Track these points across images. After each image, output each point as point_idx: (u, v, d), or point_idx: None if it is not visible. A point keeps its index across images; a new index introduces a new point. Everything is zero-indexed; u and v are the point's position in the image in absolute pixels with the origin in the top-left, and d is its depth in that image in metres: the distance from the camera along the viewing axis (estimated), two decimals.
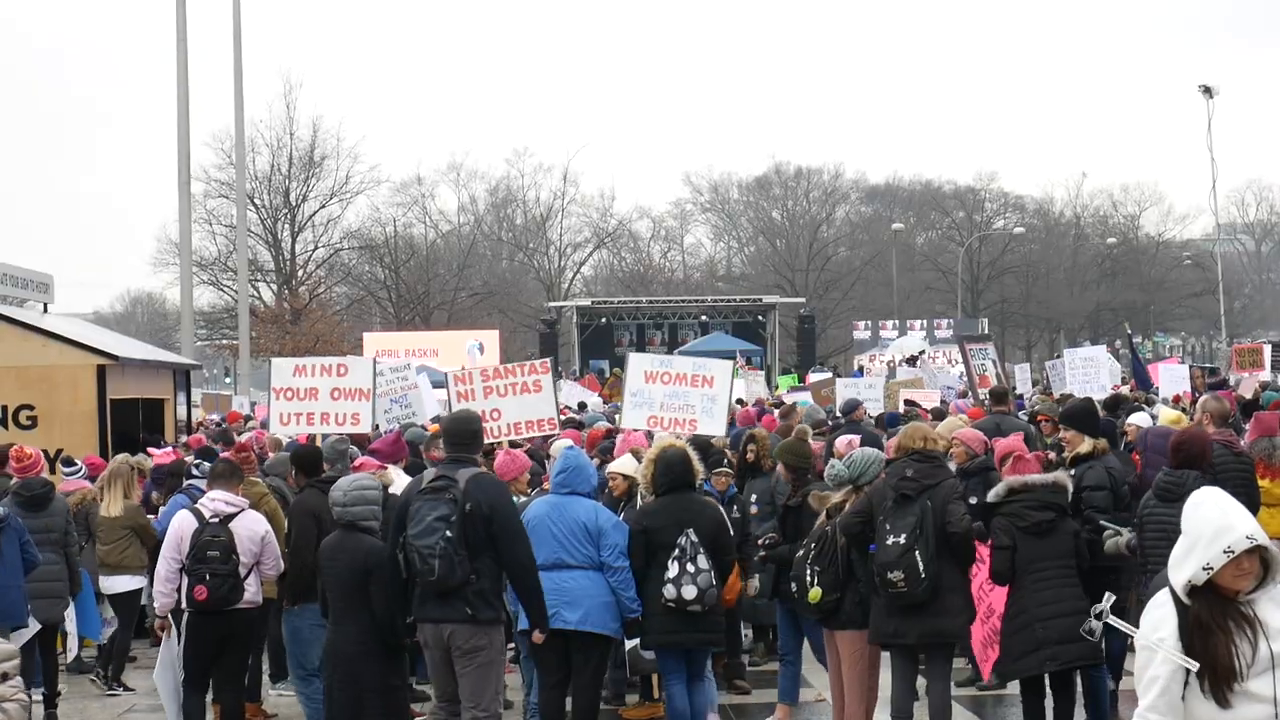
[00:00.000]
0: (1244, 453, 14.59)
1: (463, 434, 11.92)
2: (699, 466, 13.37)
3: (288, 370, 17.88)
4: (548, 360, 20.06)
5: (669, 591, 12.58)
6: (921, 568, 11.81)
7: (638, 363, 19.08)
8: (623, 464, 14.71)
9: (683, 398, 18.11)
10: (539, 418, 17.76)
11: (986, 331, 75.16)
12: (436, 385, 27.57)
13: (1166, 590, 6.46)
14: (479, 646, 11.40)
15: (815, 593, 12.19)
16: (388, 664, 11.80)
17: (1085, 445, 13.57)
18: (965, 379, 35.79)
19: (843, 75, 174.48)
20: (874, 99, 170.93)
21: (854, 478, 12.49)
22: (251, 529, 13.51)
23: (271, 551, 13.56)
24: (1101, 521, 12.72)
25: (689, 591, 12.55)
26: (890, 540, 11.90)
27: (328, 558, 12.02)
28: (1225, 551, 6.22)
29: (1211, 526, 6.30)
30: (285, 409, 18.35)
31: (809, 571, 12.27)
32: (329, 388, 17.38)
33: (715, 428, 18.16)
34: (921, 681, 12.70)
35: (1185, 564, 6.35)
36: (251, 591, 13.45)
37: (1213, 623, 6.30)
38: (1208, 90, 68.72)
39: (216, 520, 13.46)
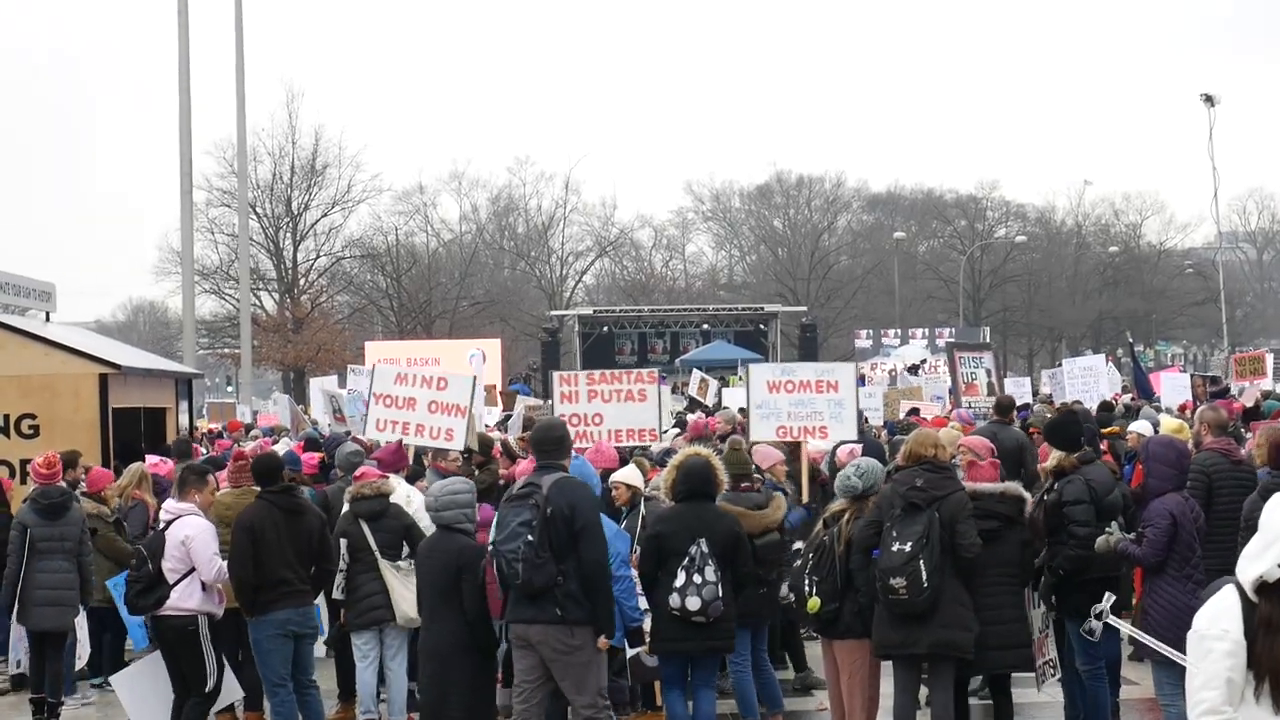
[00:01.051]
0: (1242, 460, 14.59)
1: (548, 440, 12.07)
2: (723, 478, 13.35)
3: (390, 376, 17.75)
4: (655, 370, 19.79)
5: (674, 600, 12.62)
6: (924, 577, 11.80)
7: (759, 373, 18.78)
8: (626, 474, 14.73)
9: (809, 405, 17.86)
10: (641, 427, 17.60)
11: (987, 340, 75.06)
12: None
13: (1231, 586, 6.33)
14: (573, 646, 11.52)
15: (814, 602, 12.19)
16: (478, 662, 12.00)
17: (1052, 460, 13.56)
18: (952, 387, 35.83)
19: (844, 84, 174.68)
20: (875, 107, 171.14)
21: (867, 489, 12.54)
22: (176, 535, 13.56)
23: (200, 558, 13.46)
24: (1109, 527, 12.69)
25: (693, 603, 12.58)
26: (895, 547, 11.91)
27: (423, 557, 12.37)
28: None
29: None
30: (383, 415, 18.17)
31: (807, 581, 12.27)
32: (427, 400, 17.23)
33: (845, 433, 17.95)
34: (921, 690, 12.70)
35: (1261, 558, 6.23)
36: (182, 598, 13.46)
37: (1274, 622, 6.17)
38: (1209, 99, 68.57)
39: (163, 527, 13.66)
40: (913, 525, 11.97)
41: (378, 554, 14.29)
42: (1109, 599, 11.24)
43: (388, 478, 15.04)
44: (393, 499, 15.09)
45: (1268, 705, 6.18)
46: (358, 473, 15.09)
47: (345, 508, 14.81)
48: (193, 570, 13.44)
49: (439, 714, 12.01)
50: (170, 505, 13.87)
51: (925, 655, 12.21)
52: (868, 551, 12.20)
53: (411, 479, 16.09)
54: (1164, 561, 12.11)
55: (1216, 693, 6.20)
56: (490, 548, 11.74)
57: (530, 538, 11.27)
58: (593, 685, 11.66)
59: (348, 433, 24.81)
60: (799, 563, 12.48)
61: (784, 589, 12.65)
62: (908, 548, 11.87)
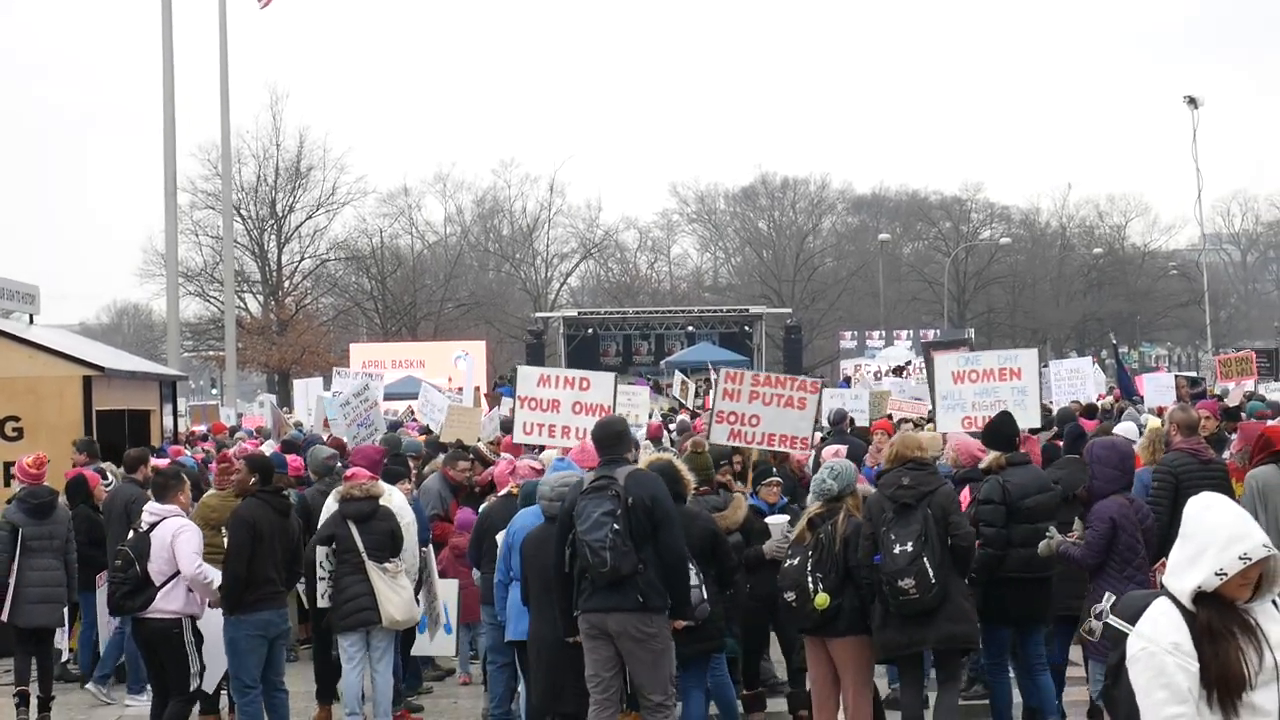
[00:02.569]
0: (1212, 460, 14.65)
1: (609, 437, 12.35)
2: (689, 478, 13.33)
3: (533, 379, 17.61)
4: (819, 380, 19.65)
5: None
6: (931, 574, 12.02)
7: (944, 363, 18.64)
8: None
9: (993, 394, 17.68)
10: (795, 434, 17.32)
11: (967, 337, 75.09)
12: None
13: (1165, 599, 6.34)
14: (650, 634, 11.75)
15: (823, 598, 12.16)
16: (571, 648, 12.07)
17: (985, 461, 13.99)
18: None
19: (829, 86, 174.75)
20: (860, 110, 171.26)
21: (842, 490, 12.56)
22: (162, 537, 13.62)
23: (184, 558, 13.50)
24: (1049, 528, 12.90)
25: None
26: (897, 549, 12.08)
27: (532, 550, 12.51)
28: (1241, 558, 6.15)
29: (1227, 531, 6.22)
30: (528, 419, 18.00)
31: (811, 579, 12.27)
32: (570, 401, 17.09)
33: (1029, 420, 17.56)
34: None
35: (1194, 568, 6.25)
36: (167, 600, 13.55)
37: (1224, 630, 6.21)
38: (1193, 101, 68.74)
39: (145, 530, 13.72)
40: (909, 525, 12.14)
41: (365, 556, 14.27)
42: (1109, 599, 11.26)
43: (377, 479, 15.03)
44: (382, 501, 15.11)
45: (1218, 713, 6.21)
46: (348, 473, 15.05)
47: (332, 509, 14.75)
48: (179, 573, 13.47)
49: (553, 703, 12.36)
50: (154, 508, 13.91)
51: (933, 650, 12.50)
52: (870, 562, 12.32)
53: (392, 479, 16.09)
54: (1104, 563, 12.37)
55: (1186, 706, 6.20)
56: (570, 539, 11.87)
57: (616, 526, 11.55)
58: (664, 675, 11.87)
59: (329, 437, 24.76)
60: (794, 562, 12.43)
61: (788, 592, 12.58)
62: (910, 548, 12.05)
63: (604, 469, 12.07)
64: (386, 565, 14.32)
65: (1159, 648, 6.22)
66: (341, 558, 14.30)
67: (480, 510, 15.73)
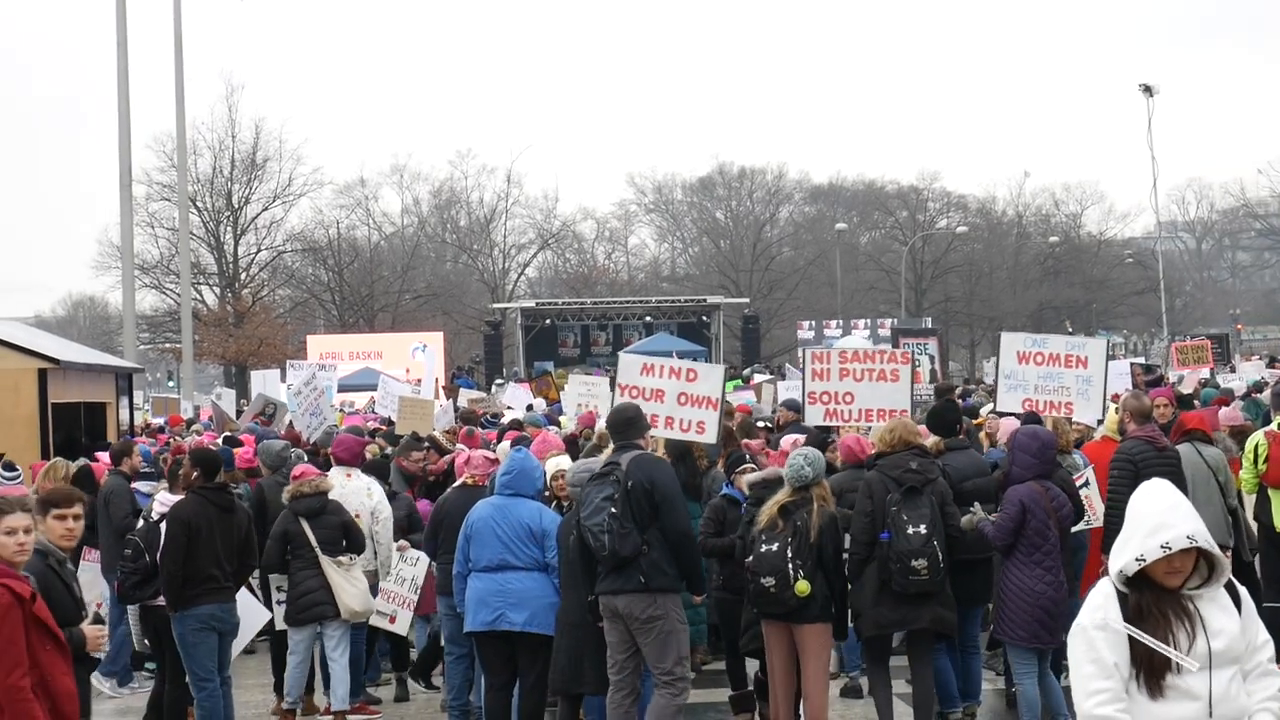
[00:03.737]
0: (1167, 448, 14.76)
1: (619, 423, 12.66)
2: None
3: (635, 367, 17.40)
4: (909, 351, 19.47)
5: None
6: (941, 558, 12.52)
7: (1010, 342, 18.36)
8: (565, 464, 14.71)
9: (1057, 379, 17.39)
10: (892, 407, 16.99)
11: (934, 328, 75.35)
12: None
13: (1106, 579, 6.49)
14: (656, 615, 11.92)
15: (803, 585, 12.26)
16: (593, 631, 12.24)
17: (929, 442, 14.33)
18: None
19: (786, 75, 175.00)
20: (817, 99, 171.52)
21: (816, 477, 12.73)
22: None
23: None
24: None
25: None
26: (911, 530, 12.50)
27: (564, 532, 12.57)
28: (1162, 547, 6.27)
29: (1153, 520, 6.35)
30: None
31: (791, 566, 12.33)
32: (676, 392, 16.91)
33: (1091, 411, 17.43)
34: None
35: (1123, 552, 6.40)
36: None
37: (1153, 611, 6.34)
38: (1148, 89, 69.08)
39: (155, 521, 13.77)
40: (920, 508, 12.59)
41: (318, 550, 14.34)
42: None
43: (325, 475, 15.08)
44: (352, 491, 15.16)
45: (1144, 693, 6.33)
46: (296, 471, 15.11)
47: (285, 506, 14.79)
48: None
49: (574, 680, 12.46)
50: (164, 498, 14.05)
51: (925, 630, 12.87)
52: (871, 541, 12.69)
53: (379, 473, 16.13)
54: (1012, 546, 12.71)
55: (1111, 681, 6.32)
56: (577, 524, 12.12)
57: (613, 510, 11.79)
58: (673, 653, 11.99)
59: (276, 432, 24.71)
60: (773, 548, 12.45)
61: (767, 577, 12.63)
62: (923, 530, 12.51)
63: (615, 454, 12.39)
64: (341, 559, 14.40)
65: (1089, 624, 6.40)
66: (296, 553, 14.37)
67: (436, 501, 15.72)
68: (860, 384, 17.17)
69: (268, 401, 29.64)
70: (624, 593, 11.88)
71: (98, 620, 9.89)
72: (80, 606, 9.79)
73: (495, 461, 14.72)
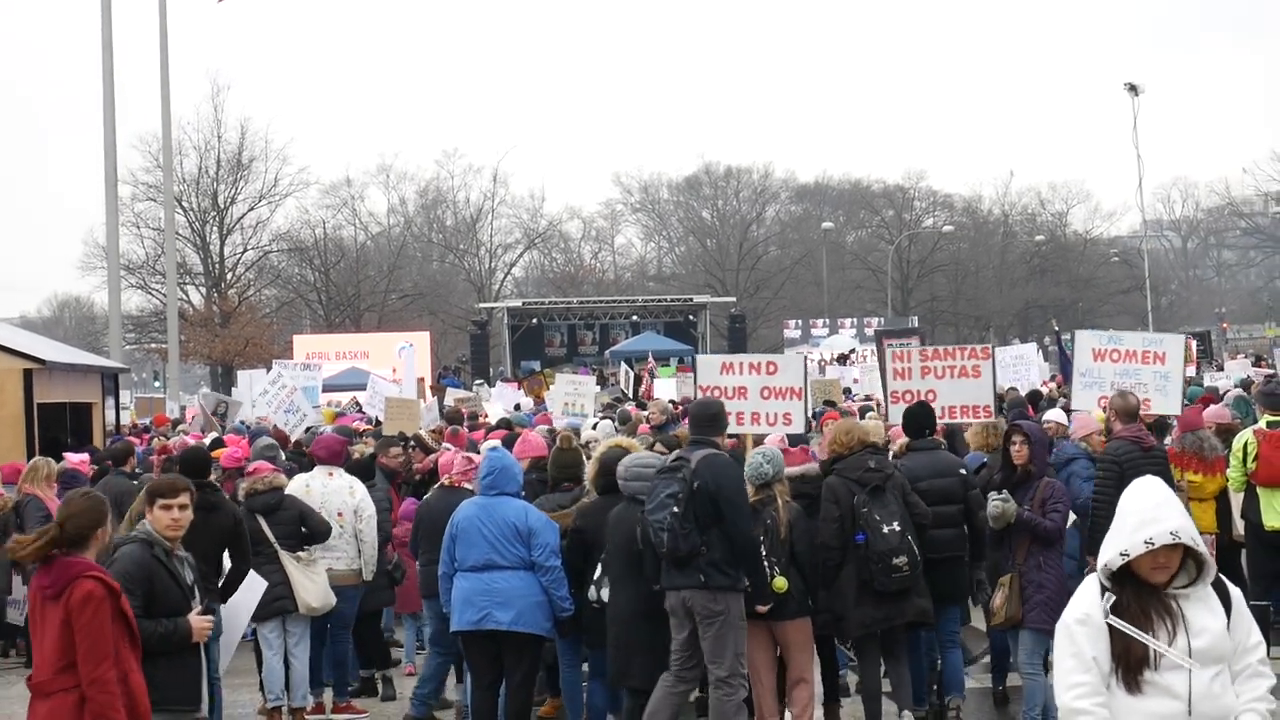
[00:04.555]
0: (1154, 447, 14.77)
1: (702, 418, 12.65)
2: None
3: (715, 367, 17.21)
4: (989, 346, 19.34)
5: (591, 593, 12.68)
6: (917, 552, 12.70)
7: (1085, 340, 18.42)
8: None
9: (1134, 375, 17.42)
10: (975, 403, 16.98)
11: (917, 327, 75.37)
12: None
13: (1093, 576, 6.54)
14: (715, 611, 11.94)
15: (780, 582, 12.36)
16: (657, 626, 12.26)
17: (897, 446, 14.80)
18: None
19: (772, 75, 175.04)
20: (803, 99, 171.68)
21: (775, 475, 12.75)
22: None
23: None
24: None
25: (607, 594, 12.61)
26: (886, 529, 12.64)
27: (611, 527, 12.59)
28: (1145, 543, 6.30)
29: (1138, 516, 6.39)
30: None
31: (767, 563, 12.36)
32: (759, 386, 16.76)
33: (1170, 406, 17.44)
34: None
35: (1108, 547, 6.44)
36: None
37: (1134, 608, 6.38)
38: (1133, 88, 69.23)
39: None
40: (888, 505, 12.76)
41: (277, 546, 14.35)
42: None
43: (280, 471, 15.12)
44: (334, 490, 15.13)
45: (1121, 688, 6.38)
46: (249, 469, 15.11)
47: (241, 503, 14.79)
48: None
49: (623, 675, 12.50)
50: None
51: (905, 625, 13.03)
52: (844, 545, 12.73)
53: (306, 467, 16.11)
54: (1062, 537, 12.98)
55: (1089, 675, 6.37)
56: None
57: (676, 509, 11.81)
58: (730, 652, 12.00)
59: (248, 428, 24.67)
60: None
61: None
62: (897, 526, 12.67)
63: (686, 450, 12.40)
64: (300, 553, 14.45)
65: (1071, 619, 6.46)
66: (255, 550, 14.33)
67: (421, 501, 15.70)
68: (942, 381, 17.00)
69: (219, 400, 29.61)
70: (685, 588, 11.96)
71: (207, 611, 10.00)
72: (188, 596, 9.86)
73: (474, 463, 14.70)
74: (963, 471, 14.13)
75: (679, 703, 12.33)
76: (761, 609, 12.21)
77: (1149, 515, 6.37)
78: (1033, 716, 12.90)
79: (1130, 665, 6.34)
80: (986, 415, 16.86)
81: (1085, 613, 6.41)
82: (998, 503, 12.94)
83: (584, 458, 14.90)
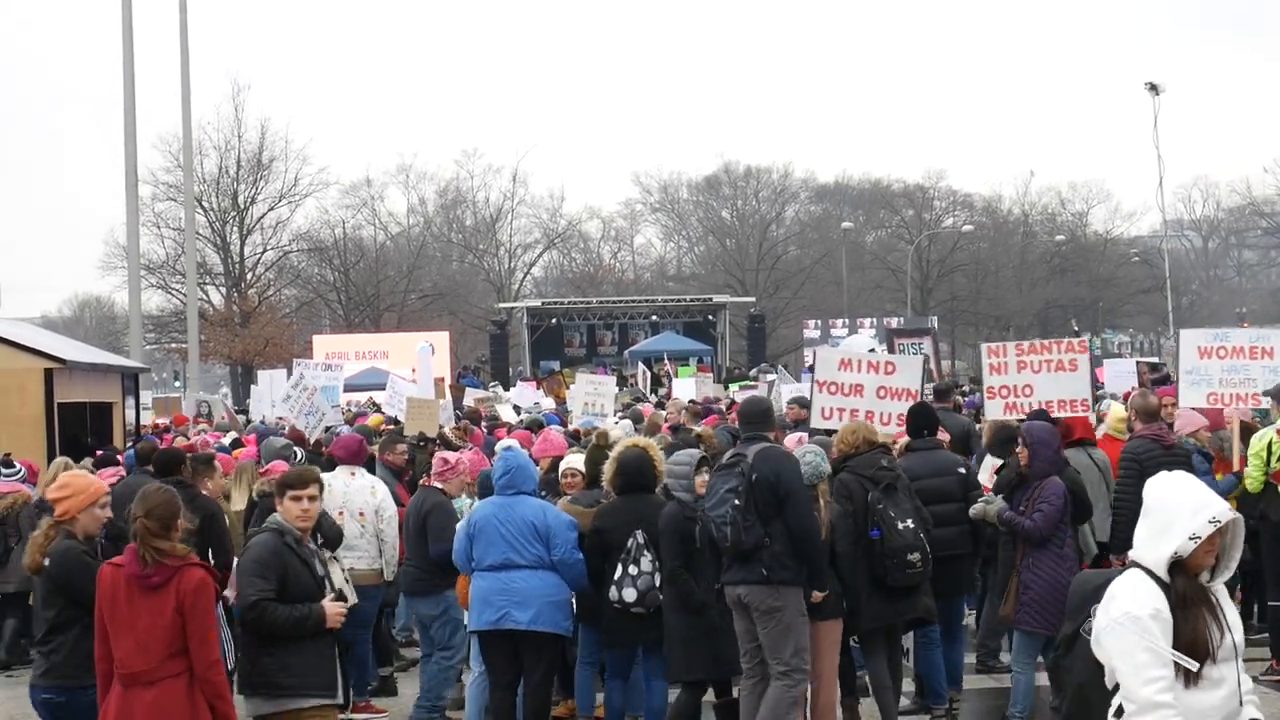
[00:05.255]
0: (1175, 445, 14.76)
1: (754, 414, 12.73)
2: (662, 468, 13.38)
3: (833, 362, 17.24)
4: (1085, 339, 19.35)
5: (613, 593, 12.66)
6: (928, 549, 12.82)
7: (1190, 338, 18.29)
8: (575, 461, 14.72)
9: (1242, 371, 17.36)
10: (1073, 397, 16.96)
11: (929, 326, 75.23)
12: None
13: (1139, 571, 6.53)
14: (776, 607, 11.95)
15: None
16: (709, 623, 12.39)
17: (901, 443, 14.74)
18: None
19: (791, 74, 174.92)
20: (823, 98, 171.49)
21: (826, 473, 12.85)
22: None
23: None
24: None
25: (629, 594, 12.63)
26: (901, 525, 12.75)
27: (666, 525, 12.61)
28: (1211, 521, 6.37)
29: (1192, 500, 6.46)
30: (828, 403, 17.44)
31: None
32: (875, 385, 16.78)
33: None
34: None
35: (1167, 537, 6.44)
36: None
37: (1197, 599, 6.44)
38: (1154, 88, 69.06)
39: None
40: (902, 504, 12.89)
41: None
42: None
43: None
44: (356, 490, 15.16)
45: (1182, 683, 6.39)
46: (264, 468, 15.13)
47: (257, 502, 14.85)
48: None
49: (681, 674, 12.63)
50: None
51: (912, 621, 13.30)
52: (858, 540, 12.76)
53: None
54: (1048, 538, 12.94)
55: (1168, 670, 6.36)
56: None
57: (737, 502, 11.84)
58: (791, 646, 12.00)
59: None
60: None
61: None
62: (910, 524, 12.79)
63: (741, 445, 12.40)
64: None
65: (1143, 613, 6.40)
66: None
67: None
68: (1039, 375, 16.99)
69: (201, 401, 29.74)
70: (746, 583, 11.96)
71: (340, 598, 10.24)
72: (319, 584, 10.15)
73: (450, 464, 14.75)
74: (962, 471, 14.32)
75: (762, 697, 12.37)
76: (817, 597, 12.22)
77: (1202, 498, 6.47)
78: (1017, 712, 13.06)
79: (1196, 655, 6.37)
80: (1084, 409, 16.92)
81: (1155, 607, 6.39)
82: (979, 504, 13.34)
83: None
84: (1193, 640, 6.37)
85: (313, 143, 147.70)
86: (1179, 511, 6.43)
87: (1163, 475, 6.69)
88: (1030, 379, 16.99)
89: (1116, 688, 6.46)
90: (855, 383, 16.61)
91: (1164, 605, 6.38)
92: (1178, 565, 6.44)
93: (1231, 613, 6.58)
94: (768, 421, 12.72)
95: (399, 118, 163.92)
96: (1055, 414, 16.68)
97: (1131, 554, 6.63)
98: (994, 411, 16.92)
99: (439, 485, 14.57)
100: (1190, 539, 6.36)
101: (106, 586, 8.88)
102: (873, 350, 59.80)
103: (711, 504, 12.03)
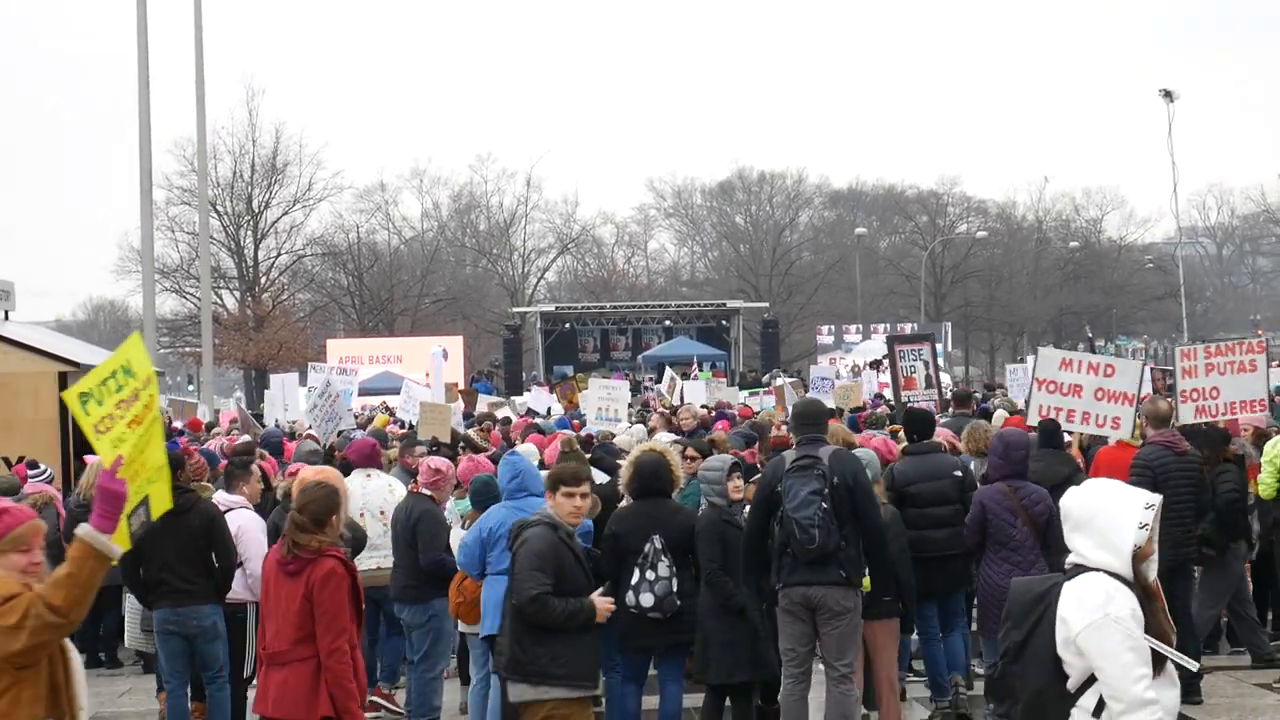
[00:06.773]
0: (1188, 452, 14.74)
1: (810, 415, 12.86)
2: (679, 473, 13.38)
3: (1054, 361, 17.26)
4: (1264, 340, 19.41)
5: (630, 598, 12.62)
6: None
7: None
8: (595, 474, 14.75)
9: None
10: (1252, 398, 17.16)
11: (928, 331, 75.13)
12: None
13: (1099, 574, 6.59)
14: (848, 608, 12.17)
15: (866, 581, 12.47)
16: (739, 624, 12.49)
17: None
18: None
19: (806, 80, 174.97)
20: (837, 104, 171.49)
21: (874, 477, 13.14)
22: (233, 525, 13.74)
23: (252, 549, 13.60)
24: None
25: (646, 599, 12.58)
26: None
27: (705, 531, 12.72)
28: (1148, 507, 6.54)
29: (1121, 496, 6.64)
30: (1045, 401, 17.34)
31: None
32: (1093, 387, 16.78)
33: None
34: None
35: (1120, 536, 6.54)
36: (235, 588, 13.60)
37: (1155, 594, 6.62)
38: (1168, 94, 68.96)
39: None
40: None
41: None
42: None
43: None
44: (374, 490, 15.20)
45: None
46: (290, 469, 15.18)
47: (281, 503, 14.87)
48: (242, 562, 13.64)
49: (705, 671, 12.67)
50: (220, 498, 14.17)
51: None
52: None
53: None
54: (981, 544, 13.42)
55: (1150, 667, 6.47)
56: (779, 515, 12.22)
57: (824, 505, 11.98)
58: (853, 649, 12.23)
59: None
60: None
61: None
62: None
63: (807, 447, 12.41)
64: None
65: (1123, 613, 6.49)
66: None
67: None
68: (1225, 377, 17.15)
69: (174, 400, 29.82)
70: (820, 584, 12.07)
71: (609, 593, 10.71)
72: (589, 578, 10.71)
73: (440, 472, 14.74)
74: (957, 473, 14.56)
75: (806, 700, 12.50)
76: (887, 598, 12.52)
77: (1127, 491, 6.69)
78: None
79: (1160, 657, 6.51)
80: (1261, 409, 17.15)
81: (1131, 607, 6.48)
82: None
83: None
84: (1159, 635, 6.51)
85: (327, 147, 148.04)
86: (1118, 510, 6.57)
87: (1074, 491, 6.81)
88: (1217, 381, 17.20)
89: (1080, 691, 6.54)
90: (1075, 383, 16.71)
91: (1136, 605, 6.50)
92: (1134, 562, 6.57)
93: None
94: (822, 424, 12.89)
95: (413, 122, 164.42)
96: (1235, 414, 16.89)
97: (1077, 561, 6.68)
98: (1186, 415, 17.00)
99: (428, 492, 14.57)
100: (1141, 528, 6.50)
101: (267, 572, 9.74)
102: (885, 356, 59.89)
103: (795, 505, 12.07)
